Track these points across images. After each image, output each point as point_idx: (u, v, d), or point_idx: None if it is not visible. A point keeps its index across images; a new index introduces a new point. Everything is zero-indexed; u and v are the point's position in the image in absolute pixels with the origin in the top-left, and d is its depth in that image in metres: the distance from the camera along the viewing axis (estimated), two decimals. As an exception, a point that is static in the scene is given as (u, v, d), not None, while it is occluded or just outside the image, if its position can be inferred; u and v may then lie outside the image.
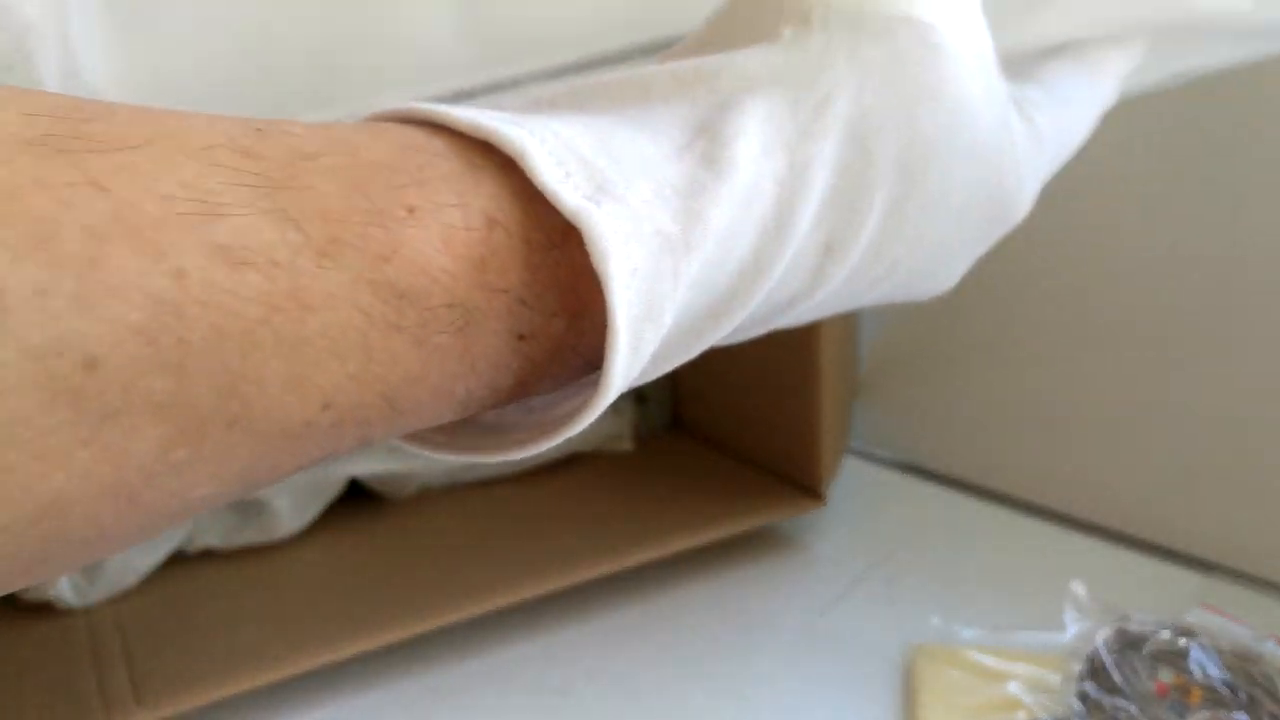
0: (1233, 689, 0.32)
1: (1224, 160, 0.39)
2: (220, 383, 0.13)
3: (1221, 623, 0.34)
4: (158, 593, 0.41)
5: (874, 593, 0.41)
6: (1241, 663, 0.32)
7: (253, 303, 0.13)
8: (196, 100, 0.22)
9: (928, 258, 0.21)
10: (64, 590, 0.40)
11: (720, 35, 0.21)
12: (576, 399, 0.17)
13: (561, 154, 0.16)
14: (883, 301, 0.23)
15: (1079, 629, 0.35)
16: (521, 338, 0.17)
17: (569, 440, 0.17)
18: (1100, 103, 0.25)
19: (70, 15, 0.23)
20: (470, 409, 0.17)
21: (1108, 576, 0.39)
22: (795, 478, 0.45)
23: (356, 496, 0.47)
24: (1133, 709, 0.31)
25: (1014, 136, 0.21)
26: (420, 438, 0.19)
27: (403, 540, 0.45)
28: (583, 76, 0.21)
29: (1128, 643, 0.34)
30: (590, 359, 0.18)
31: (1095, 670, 0.33)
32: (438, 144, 0.17)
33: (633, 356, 0.16)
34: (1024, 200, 0.22)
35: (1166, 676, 0.32)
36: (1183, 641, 0.33)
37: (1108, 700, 0.32)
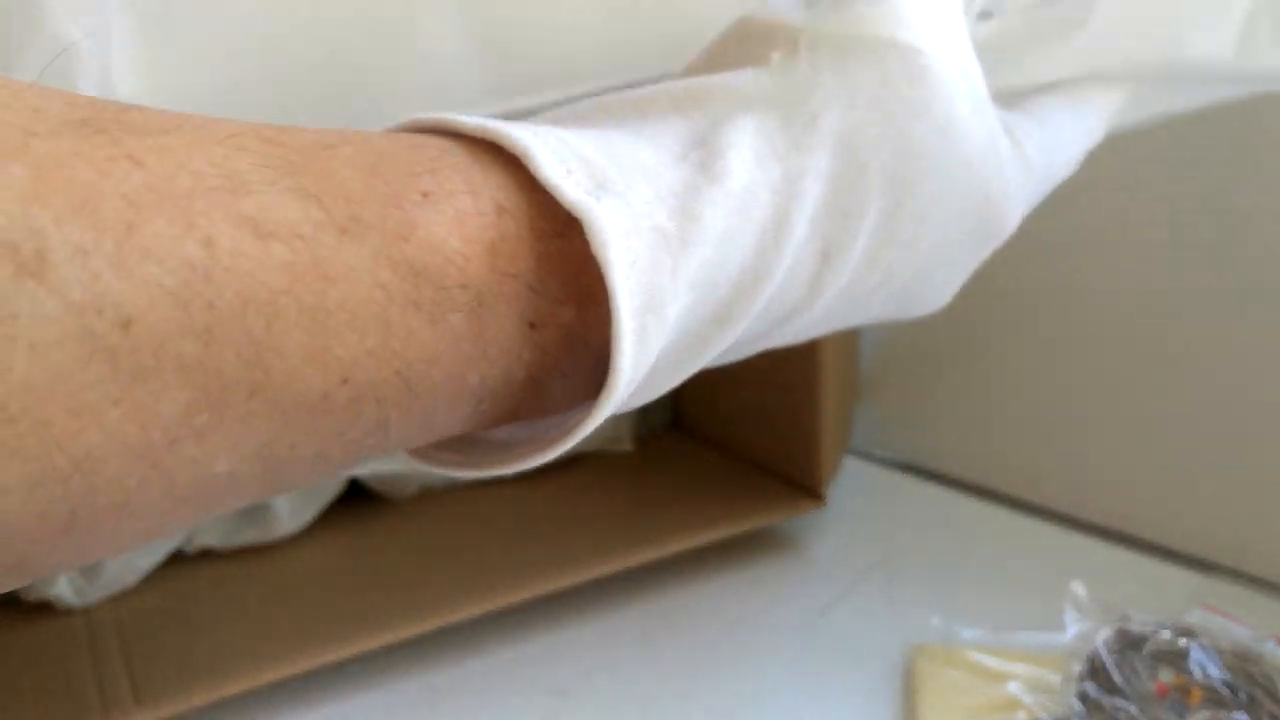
0: (1233, 689, 0.32)
1: (1224, 160, 0.39)
2: (244, 350, 0.14)
3: (1221, 623, 0.34)
4: (157, 592, 0.41)
5: (874, 593, 0.41)
6: (1241, 663, 0.32)
7: (277, 272, 0.14)
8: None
9: (921, 268, 0.22)
10: (64, 590, 0.40)
11: (713, 64, 0.21)
12: (584, 413, 0.18)
13: (564, 154, 0.17)
14: (878, 319, 0.23)
15: (1079, 629, 0.35)
16: (532, 325, 0.17)
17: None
18: (1087, 139, 0.25)
19: (112, 39, 0.23)
20: (484, 404, 0.18)
21: (1108, 576, 0.39)
22: (795, 478, 0.45)
23: (356, 496, 0.47)
24: (1133, 709, 0.31)
25: (1002, 155, 0.22)
26: (434, 458, 0.19)
27: (403, 540, 0.45)
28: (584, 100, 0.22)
29: (1128, 643, 0.34)
30: (599, 354, 0.18)
31: (1095, 670, 0.33)
32: (446, 143, 0.17)
33: (639, 347, 0.17)
34: (1011, 218, 0.23)
35: (1166, 676, 0.32)
36: (1183, 641, 0.33)
37: (1108, 700, 0.32)
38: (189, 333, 0.13)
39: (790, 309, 0.20)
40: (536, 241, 0.17)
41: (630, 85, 0.21)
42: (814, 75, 0.20)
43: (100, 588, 0.40)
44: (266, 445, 0.15)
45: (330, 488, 0.46)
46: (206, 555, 0.43)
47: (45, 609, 0.40)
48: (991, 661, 0.35)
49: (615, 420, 0.51)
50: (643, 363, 0.17)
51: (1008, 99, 0.24)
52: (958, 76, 0.20)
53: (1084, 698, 0.32)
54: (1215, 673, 0.32)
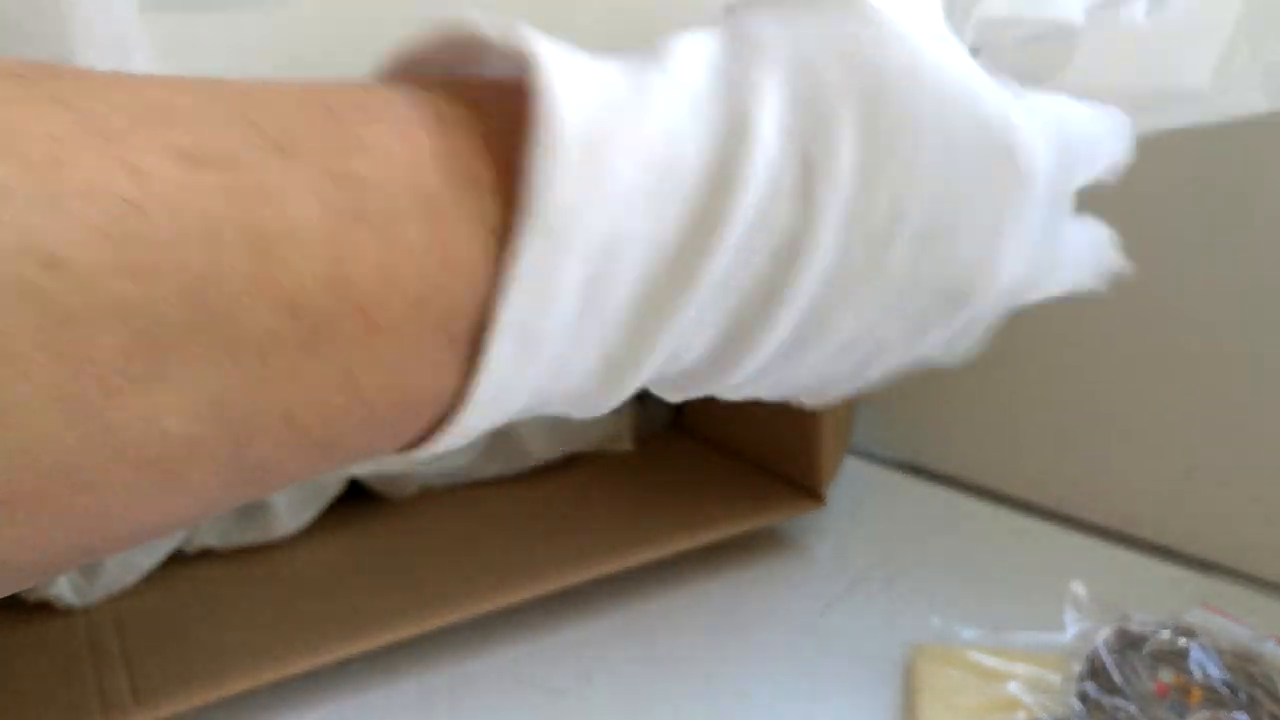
0: (1233, 689, 0.32)
1: (1225, 161, 0.39)
2: (183, 284, 0.13)
3: (1221, 623, 0.34)
4: (157, 592, 0.41)
5: (874, 593, 0.41)
6: (1241, 663, 0.32)
7: (213, 197, 0.13)
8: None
9: (934, 201, 0.19)
10: (63, 589, 0.40)
11: None
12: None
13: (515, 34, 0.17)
14: (922, 284, 0.20)
15: (1079, 629, 0.35)
16: (493, 233, 0.16)
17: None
18: (1103, 120, 0.25)
19: (131, 49, 0.23)
20: (458, 329, 0.16)
21: (1108, 576, 0.39)
22: (795, 478, 0.45)
23: (356, 496, 0.47)
24: (1133, 709, 0.31)
25: (988, 82, 0.19)
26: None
27: (403, 540, 0.45)
28: None
29: (1128, 643, 0.34)
30: None
31: (1095, 670, 0.33)
32: (402, 82, 0.17)
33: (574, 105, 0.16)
34: (1032, 152, 0.20)
35: (1167, 676, 0.32)
36: (1183, 641, 0.33)
37: (1108, 700, 0.32)
38: (121, 270, 0.13)
39: (789, 233, 0.18)
40: (490, 144, 0.16)
41: None
42: (757, 23, 0.19)
43: (100, 587, 0.40)
44: (219, 399, 0.14)
45: (330, 488, 0.46)
46: (206, 555, 0.43)
47: (45, 608, 0.40)
48: (991, 661, 0.35)
49: (615, 420, 0.51)
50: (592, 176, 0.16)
51: None
52: (923, 30, 0.19)
53: (1084, 698, 0.32)
54: (1215, 673, 0.32)
